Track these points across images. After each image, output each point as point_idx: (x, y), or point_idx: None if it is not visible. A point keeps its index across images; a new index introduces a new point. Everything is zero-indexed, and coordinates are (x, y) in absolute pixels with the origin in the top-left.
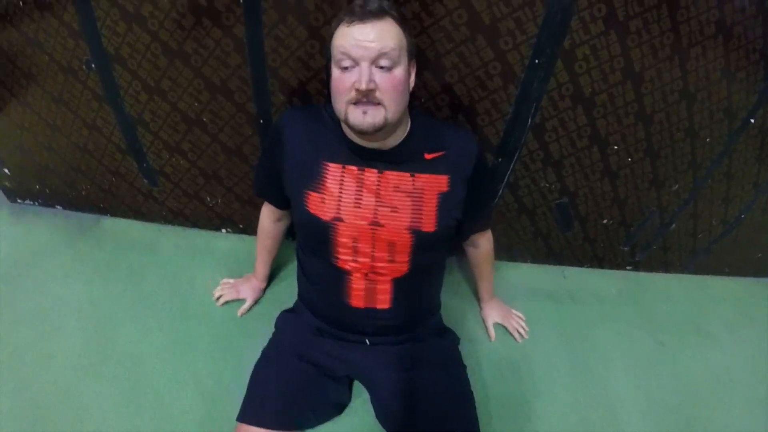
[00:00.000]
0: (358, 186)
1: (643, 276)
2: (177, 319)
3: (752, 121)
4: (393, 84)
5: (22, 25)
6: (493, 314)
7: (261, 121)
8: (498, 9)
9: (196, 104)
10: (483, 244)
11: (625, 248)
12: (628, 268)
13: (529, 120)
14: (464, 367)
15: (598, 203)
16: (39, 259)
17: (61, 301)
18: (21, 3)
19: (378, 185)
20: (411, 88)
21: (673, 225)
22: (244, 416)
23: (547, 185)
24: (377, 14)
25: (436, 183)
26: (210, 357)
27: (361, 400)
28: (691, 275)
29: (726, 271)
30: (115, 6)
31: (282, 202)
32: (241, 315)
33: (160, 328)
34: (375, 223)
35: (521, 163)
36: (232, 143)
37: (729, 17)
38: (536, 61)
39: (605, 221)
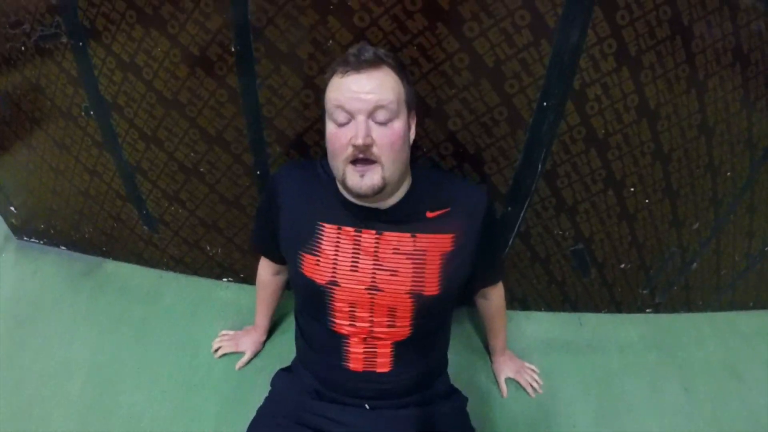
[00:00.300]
0: (355, 248)
1: (664, 318)
2: (182, 389)
3: None
4: (391, 139)
5: (24, 69)
6: (505, 369)
7: (258, 172)
8: (501, 50)
9: (192, 154)
10: (494, 296)
11: (645, 291)
12: (648, 311)
13: (540, 166)
14: (473, 430)
15: (616, 248)
16: (44, 310)
17: (65, 363)
18: (23, 48)
19: (376, 247)
20: (411, 141)
21: (695, 264)
22: None
23: (561, 232)
24: (373, 63)
25: (440, 243)
26: (214, 428)
27: None
28: (715, 312)
29: (751, 305)
30: (110, 54)
31: (280, 259)
32: (239, 368)
33: (164, 398)
34: (373, 288)
35: (532, 211)
36: (230, 194)
37: (746, 43)
38: (545, 103)
39: (623, 266)
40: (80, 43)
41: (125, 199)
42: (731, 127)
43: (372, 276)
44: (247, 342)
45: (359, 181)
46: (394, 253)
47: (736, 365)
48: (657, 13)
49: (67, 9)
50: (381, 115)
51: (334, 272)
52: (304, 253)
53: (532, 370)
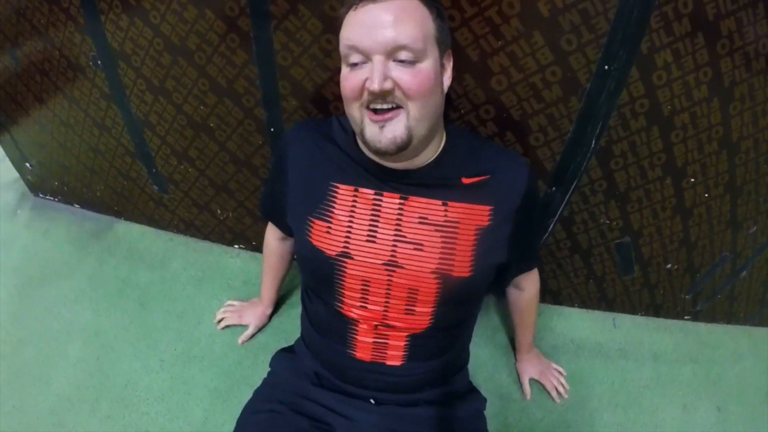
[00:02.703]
0: (373, 215)
1: (702, 327)
2: (180, 359)
3: None
4: (418, 82)
5: (33, 18)
6: (530, 369)
7: (271, 129)
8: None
9: (201, 107)
10: (529, 286)
11: (687, 296)
12: (686, 318)
13: (593, 142)
14: None
15: (665, 245)
16: (53, 271)
17: (69, 326)
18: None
19: (399, 215)
20: (446, 88)
21: (744, 272)
22: None
23: (608, 222)
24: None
25: (476, 215)
26: (209, 403)
27: None
28: (755, 327)
29: None
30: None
31: (287, 228)
32: (242, 343)
33: (161, 367)
34: (392, 264)
35: (579, 194)
36: (242, 153)
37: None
38: (606, 67)
39: (669, 266)
40: None
41: (134, 156)
42: None
43: (392, 249)
44: (252, 315)
45: (378, 133)
46: (420, 224)
47: None
48: None
49: None
50: (404, 55)
51: (346, 242)
52: (313, 219)
53: (559, 373)
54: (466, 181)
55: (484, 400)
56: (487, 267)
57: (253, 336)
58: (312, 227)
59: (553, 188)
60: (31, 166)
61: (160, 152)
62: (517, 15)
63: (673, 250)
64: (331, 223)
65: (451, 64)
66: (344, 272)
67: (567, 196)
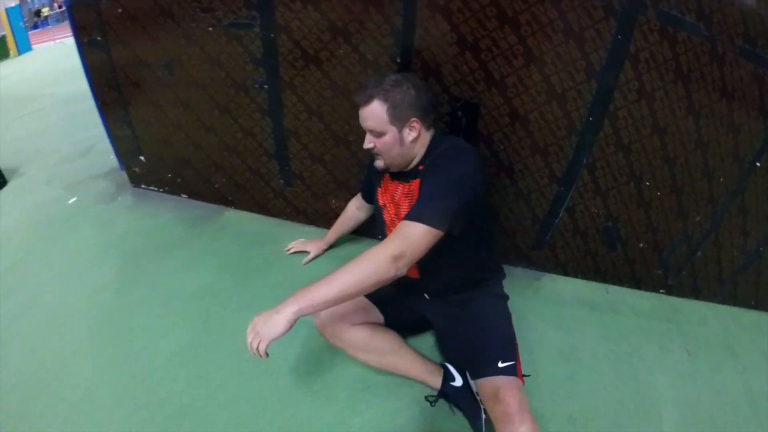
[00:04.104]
0: (392, 192)
1: (675, 300)
2: None
3: (758, 164)
4: (383, 146)
5: (206, 45)
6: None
7: None
8: (567, 83)
9: (347, 127)
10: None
11: (659, 271)
12: (661, 291)
13: (584, 160)
14: (507, 314)
15: (636, 229)
16: (164, 246)
17: (176, 293)
18: (210, 29)
19: (396, 191)
20: (412, 139)
21: (699, 252)
22: None
23: (596, 211)
24: (364, 101)
25: (416, 188)
26: (301, 345)
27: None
28: (720, 305)
29: (753, 304)
30: (297, 47)
31: (369, 199)
32: (304, 264)
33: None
34: (396, 216)
35: (577, 192)
36: (366, 158)
37: (730, 86)
38: (590, 119)
39: (641, 245)
40: (271, 35)
41: (271, 156)
42: (721, 144)
43: (395, 206)
44: (312, 246)
45: (377, 162)
46: (404, 195)
47: (734, 346)
48: (666, 66)
49: (267, 8)
50: (375, 132)
51: (384, 201)
52: (377, 188)
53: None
54: (420, 167)
55: (507, 297)
56: None
57: (313, 259)
58: (377, 195)
59: (562, 188)
60: (144, 159)
61: (298, 155)
62: (545, 91)
63: (642, 232)
64: (377, 194)
65: (417, 125)
66: (382, 215)
67: (570, 193)
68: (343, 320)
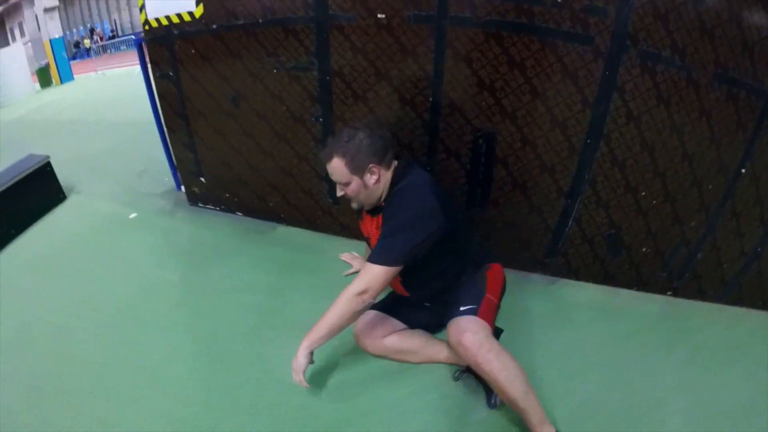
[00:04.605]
0: (369, 225)
1: (682, 301)
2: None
3: (743, 171)
4: (351, 192)
5: (269, 84)
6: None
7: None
8: (567, 113)
9: None
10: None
11: (664, 274)
12: (668, 293)
13: (586, 176)
14: (482, 277)
15: (637, 235)
16: (222, 252)
17: (236, 288)
18: (274, 71)
19: (372, 223)
20: (375, 182)
21: (699, 254)
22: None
23: (600, 220)
24: (327, 158)
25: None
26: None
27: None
28: (726, 306)
29: (760, 305)
30: (348, 88)
31: None
32: (346, 275)
33: (313, 307)
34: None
35: (582, 204)
36: None
37: (707, 105)
38: (588, 141)
39: (644, 249)
40: (327, 77)
41: (322, 179)
42: (704, 156)
43: (374, 239)
44: (357, 262)
45: (352, 204)
46: (376, 228)
47: (740, 344)
48: (648, 93)
49: (324, 55)
50: (340, 183)
51: (366, 233)
52: (361, 222)
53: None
54: (383, 204)
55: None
56: None
57: (351, 273)
58: (361, 228)
59: (568, 201)
60: (204, 180)
61: None
62: (549, 121)
63: (643, 238)
64: (362, 227)
65: (376, 169)
66: (370, 243)
67: (576, 205)
68: (374, 336)
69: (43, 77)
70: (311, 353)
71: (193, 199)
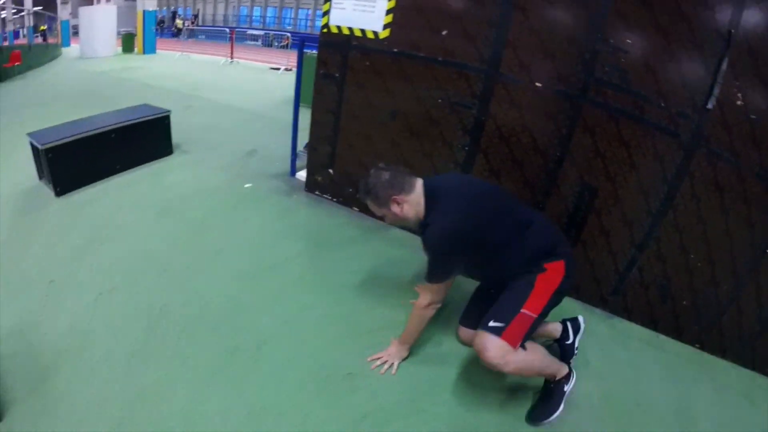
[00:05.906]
0: None
1: (706, 356)
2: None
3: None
4: (391, 221)
5: (432, 112)
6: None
7: None
8: (650, 185)
9: (513, 189)
10: (420, 296)
11: (696, 327)
12: (696, 345)
13: (654, 234)
14: (528, 292)
15: (682, 289)
16: (340, 241)
17: (351, 272)
18: (439, 101)
19: None
20: (403, 209)
21: (725, 316)
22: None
23: (657, 272)
24: (364, 200)
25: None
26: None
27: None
28: (743, 368)
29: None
30: (491, 118)
31: None
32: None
33: (397, 305)
34: None
35: (646, 255)
36: None
37: (750, 195)
38: (661, 208)
39: (684, 302)
40: (482, 118)
41: None
42: (741, 234)
43: None
44: None
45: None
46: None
47: (754, 396)
48: (710, 180)
49: (485, 100)
50: (381, 216)
51: None
52: None
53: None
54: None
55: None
56: None
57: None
58: None
59: (637, 251)
60: (333, 172)
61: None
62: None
63: (686, 292)
64: None
65: (399, 199)
66: None
67: (641, 256)
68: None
69: (127, 43)
70: (407, 351)
71: (312, 186)
